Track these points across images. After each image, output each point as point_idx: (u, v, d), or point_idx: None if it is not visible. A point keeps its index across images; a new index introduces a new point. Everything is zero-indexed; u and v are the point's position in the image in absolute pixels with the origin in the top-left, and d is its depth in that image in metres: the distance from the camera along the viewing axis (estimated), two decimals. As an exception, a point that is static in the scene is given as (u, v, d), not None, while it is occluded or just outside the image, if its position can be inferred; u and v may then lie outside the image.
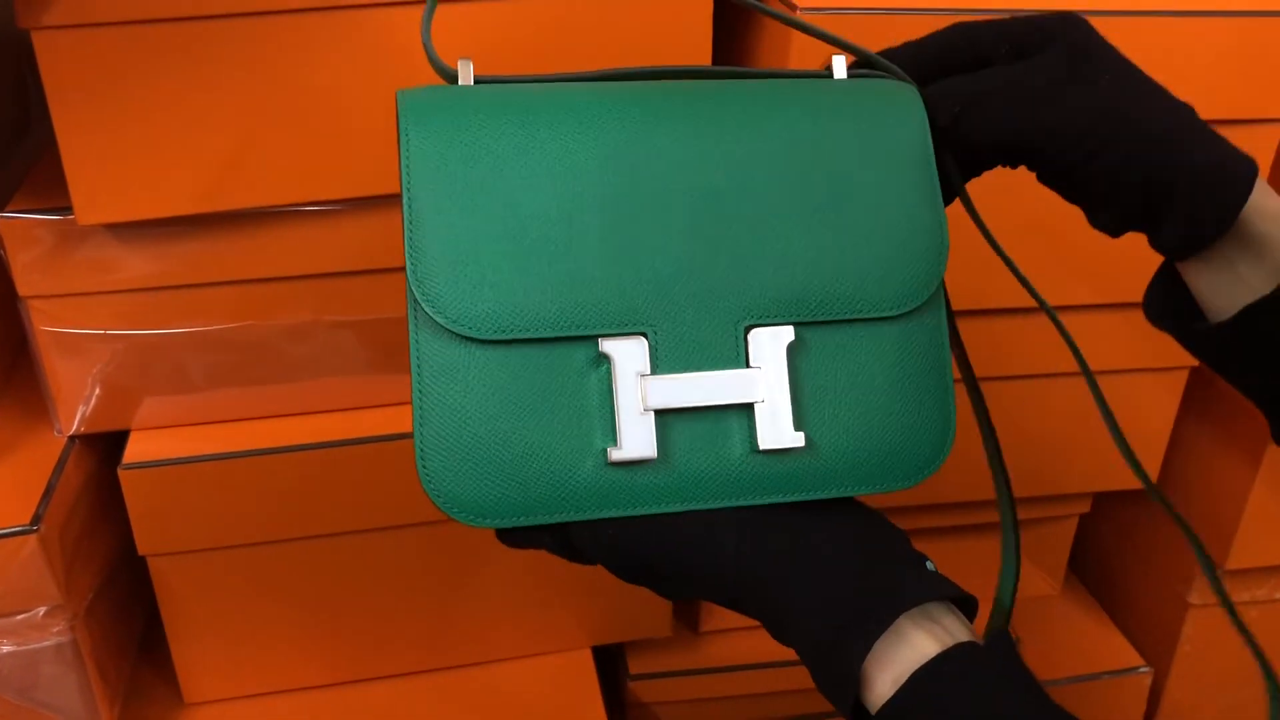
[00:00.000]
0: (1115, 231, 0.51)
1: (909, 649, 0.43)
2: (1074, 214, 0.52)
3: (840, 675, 0.44)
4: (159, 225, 0.77)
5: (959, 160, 0.51)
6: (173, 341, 0.82)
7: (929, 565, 0.47)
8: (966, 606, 0.46)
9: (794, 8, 0.76)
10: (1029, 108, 0.48)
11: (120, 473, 0.82)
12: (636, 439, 0.45)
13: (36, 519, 0.77)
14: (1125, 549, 1.17)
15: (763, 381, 0.47)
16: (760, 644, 0.83)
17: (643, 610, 0.99)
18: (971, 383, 0.55)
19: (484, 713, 0.95)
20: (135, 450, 0.83)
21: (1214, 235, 0.48)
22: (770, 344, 0.47)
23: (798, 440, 0.47)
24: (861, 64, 0.53)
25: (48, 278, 0.78)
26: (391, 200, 0.79)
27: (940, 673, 0.43)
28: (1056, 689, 1.03)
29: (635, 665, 1.03)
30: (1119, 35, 0.51)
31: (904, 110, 0.50)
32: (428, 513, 0.86)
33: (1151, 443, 1.01)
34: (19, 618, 0.79)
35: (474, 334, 0.45)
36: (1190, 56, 0.82)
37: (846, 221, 0.48)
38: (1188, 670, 1.11)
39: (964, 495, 1.00)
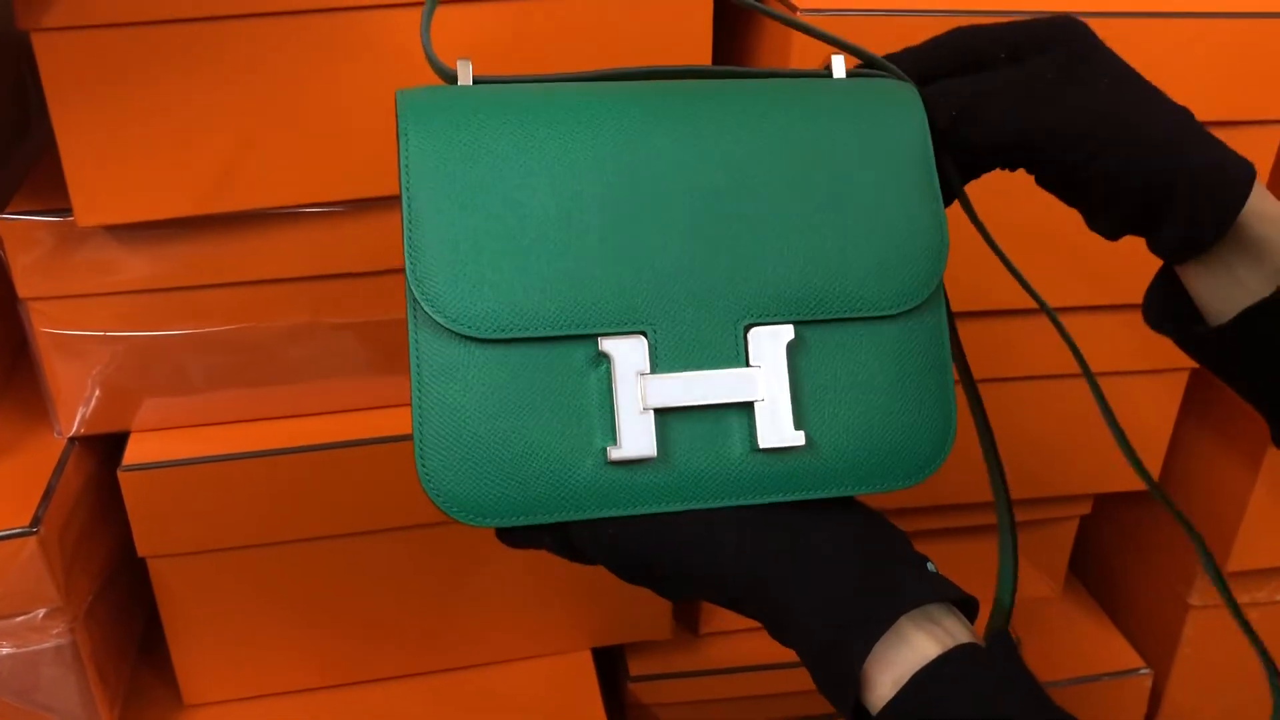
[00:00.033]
0: (1113, 235, 0.51)
1: (910, 650, 0.43)
2: (1074, 216, 0.52)
3: (841, 676, 0.44)
4: (159, 227, 0.77)
5: (957, 162, 0.51)
6: (172, 343, 0.82)
7: (930, 566, 0.47)
8: (967, 608, 0.46)
9: (794, 9, 0.76)
10: (1027, 109, 0.48)
11: (120, 474, 0.82)
12: (636, 438, 0.45)
13: (36, 521, 0.77)
14: (1126, 550, 1.17)
15: (763, 380, 0.47)
16: (760, 646, 0.83)
17: (643, 612, 0.99)
18: (969, 383, 0.55)
19: (483, 714, 0.95)
20: (135, 452, 0.83)
21: (1212, 238, 0.48)
22: (770, 343, 0.47)
23: (798, 439, 0.47)
24: (863, 65, 0.53)
25: (48, 279, 0.78)
26: (391, 202, 0.79)
27: (941, 674, 0.43)
28: (1057, 690, 1.03)
29: (635, 667, 1.03)
30: (1117, 37, 0.51)
31: (904, 109, 0.50)
32: (427, 514, 0.86)
33: (1152, 445, 1.01)
34: (18, 620, 0.79)
35: (473, 333, 0.45)
36: (1189, 58, 0.82)
37: (846, 220, 0.48)
38: (1188, 672, 1.11)
39: (965, 497, 1.00)
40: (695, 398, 0.46)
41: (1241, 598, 1.07)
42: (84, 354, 0.81)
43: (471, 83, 0.49)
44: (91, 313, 0.80)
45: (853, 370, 0.48)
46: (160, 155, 0.74)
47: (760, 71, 0.52)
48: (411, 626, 0.94)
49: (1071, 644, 1.12)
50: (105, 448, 0.88)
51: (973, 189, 0.53)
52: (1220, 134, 0.49)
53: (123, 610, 0.93)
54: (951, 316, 0.51)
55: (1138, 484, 1.03)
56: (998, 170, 0.52)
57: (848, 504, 0.48)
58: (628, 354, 0.46)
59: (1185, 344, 0.52)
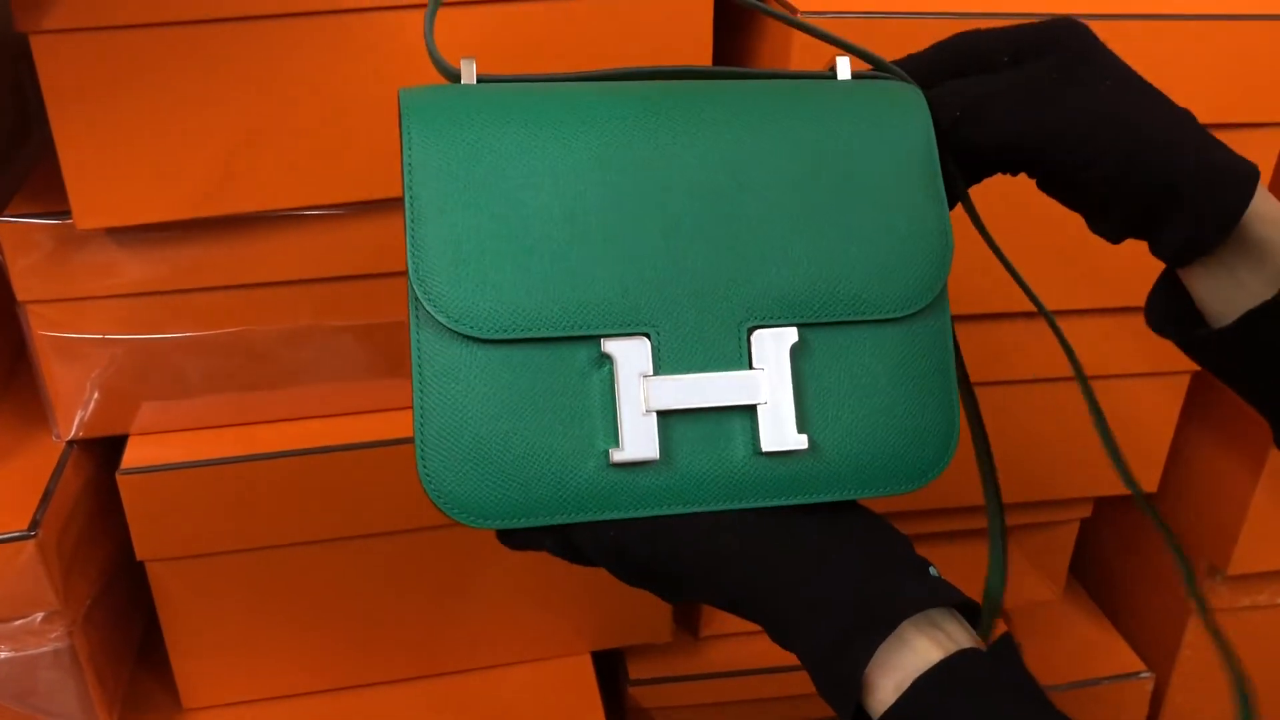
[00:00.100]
0: (1115, 238, 0.51)
1: (912, 655, 0.43)
2: (1076, 219, 0.52)
3: (842, 680, 0.43)
4: (158, 229, 0.77)
5: (960, 165, 0.51)
6: (171, 346, 0.82)
7: (932, 571, 0.47)
8: (969, 612, 0.46)
9: (794, 11, 0.76)
10: (1029, 111, 0.48)
11: (119, 478, 0.81)
12: (638, 440, 0.45)
13: (34, 524, 0.77)
14: (1127, 554, 1.17)
15: (766, 383, 0.46)
16: (761, 649, 0.83)
17: (643, 615, 0.99)
18: (965, 385, 0.55)
19: (483, 718, 0.95)
20: (134, 455, 0.83)
21: (1215, 241, 0.48)
22: (773, 345, 0.47)
23: (800, 442, 0.46)
24: (875, 68, 0.53)
25: (46, 282, 0.78)
26: (391, 204, 0.79)
27: (943, 679, 0.42)
28: (1058, 694, 1.03)
29: (635, 670, 1.03)
30: (1119, 40, 0.51)
31: (908, 111, 0.50)
32: (426, 518, 0.86)
33: (1153, 448, 1.01)
34: (17, 623, 0.79)
35: (476, 333, 0.45)
36: (1190, 60, 0.81)
37: (850, 222, 0.48)
38: (1189, 675, 1.11)
39: (967, 500, 0.99)
40: (698, 400, 0.46)
41: (1243, 600, 1.07)
42: (83, 357, 0.81)
43: (475, 81, 0.49)
44: (90, 315, 0.80)
45: (856, 373, 0.48)
46: (159, 158, 0.74)
47: (765, 72, 0.52)
48: (411, 630, 0.94)
49: (1072, 647, 1.12)
50: (104, 451, 0.88)
51: (976, 194, 0.53)
52: (1222, 136, 0.49)
53: (121, 614, 0.92)
54: (950, 320, 0.51)
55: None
56: (999, 174, 0.52)
57: (850, 507, 0.48)
58: (630, 355, 0.46)
59: (1187, 346, 0.52)
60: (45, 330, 0.80)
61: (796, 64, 0.77)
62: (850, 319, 0.48)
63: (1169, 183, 0.47)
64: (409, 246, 0.45)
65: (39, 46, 0.69)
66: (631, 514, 0.46)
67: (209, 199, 0.76)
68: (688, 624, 1.06)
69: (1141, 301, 0.54)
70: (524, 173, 0.46)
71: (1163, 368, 0.96)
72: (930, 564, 0.47)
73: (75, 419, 0.84)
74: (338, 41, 0.73)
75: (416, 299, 0.45)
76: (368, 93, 0.74)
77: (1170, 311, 0.52)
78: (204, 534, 0.85)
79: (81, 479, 0.85)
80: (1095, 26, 0.50)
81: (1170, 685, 1.11)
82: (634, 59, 0.76)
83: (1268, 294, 0.48)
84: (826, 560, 0.46)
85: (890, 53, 0.53)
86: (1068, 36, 0.49)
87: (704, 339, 0.46)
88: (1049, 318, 0.56)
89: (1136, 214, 0.49)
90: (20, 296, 0.79)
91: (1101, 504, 1.11)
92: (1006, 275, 0.55)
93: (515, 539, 0.47)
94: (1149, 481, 1.03)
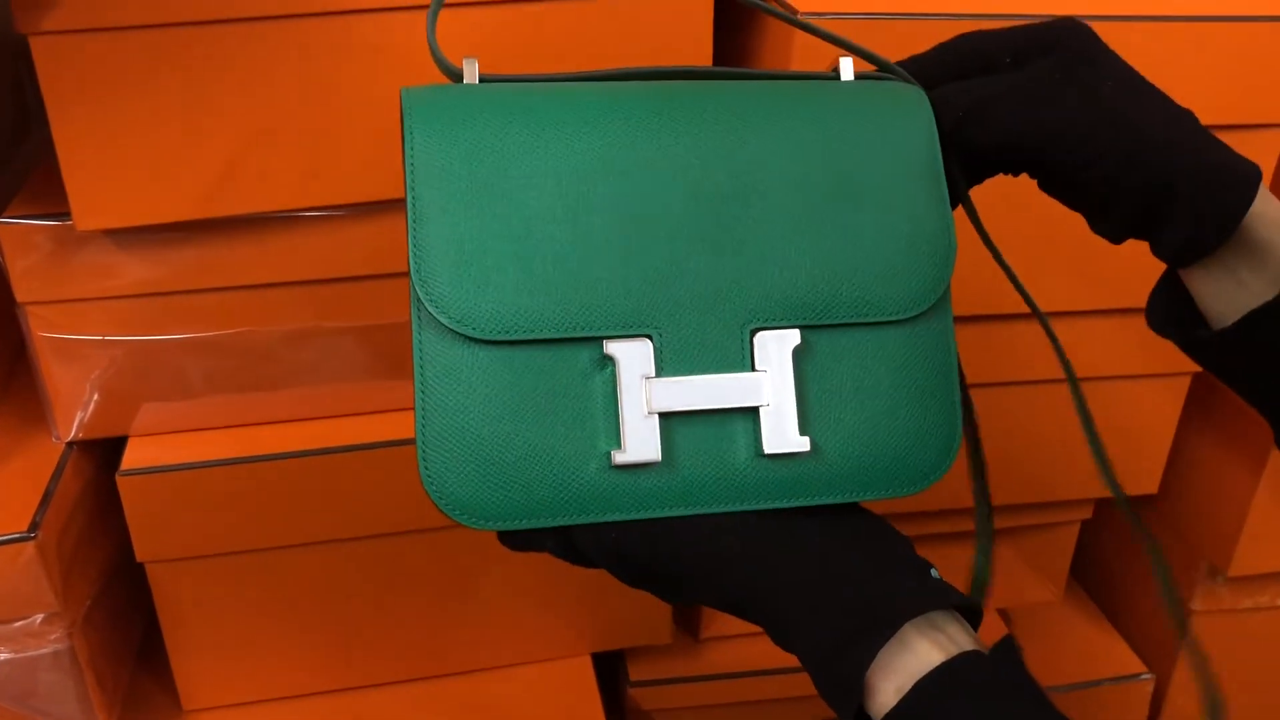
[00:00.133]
0: (1117, 238, 0.51)
1: (913, 657, 0.43)
2: (1077, 221, 0.52)
3: (844, 683, 0.43)
4: (158, 231, 0.77)
5: (962, 165, 0.51)
6: (171, 347, 0.82)
7: (933, 572, 0.47)
8: (971, 614, 0.46)
9: (795, 12, 0.76)
10: (1031, 111, 0.48)
11: (118, 479, 0.81)
12: (640, 442, 0.45)
13: (34, 526, 0.77)
14: (1127, 555, 1.17)
15: (768, 385, 0.46)
16: (761, 651, 0.82)
17: (643, 617, 0.99)
18: (961, 386, 0.55)
19: (483, 720, 0.95)
20: (133, 456, 0.83)
21: (1217, 241, 0.48)
22: (776, 347, 0.47)
23: (803, 445, 0.46)
24: (879, 68, 0.53)
25: (46, 283, 0.78)
26: (391, 205, 0.79)
27: (944, 681, 0.42)
28: (1058, 695, 1.03)
29: (635, 672, 1.03)
30: (1120, 41, 0.51)
31: (912, 112, 0.50)
32: (426, 519, 0.86)
33: (1154, 449, 1.01)
34: (16, 625, 0.79)
35: (478, 334, 0.45)
36: (1191, 62, 0.81)
37: (853, 224, 0.48)
38: (1190, 677, 1.11)
39: (968, 502, 0.99)
40: (700, 402, 0.46)
41: (1244, 602, 1.07)
42: (82, 358, 0.81)
43: (477, 81, 0.49)
44: (90, 317, 0.80)
45: (858, 376, 0.48)
46: (159, 159, 0.74)
47: (768, 73, 0.52)
48: (411, 632, 0.94)
49: (1073, 649, 1.12)
50: (104, 452, 0.87)
51: (978, 195, 0.53)
52: (1223, 138, 0.49)
53: (121, 615, 0.92)
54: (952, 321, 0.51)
55: (1138, 489, 1.04)
56: (1001, 175, 0.52)
57: (851, 509, 0.48)
58: (633, 357, 0.45)
59: (1188, 347, 0.52)
60: (45, 331, 0.80)
61: (797, 64, 0.76)
62: (853, 321, 0.48)
63: (1168, 183, 0.47)
64: (411, 247, 0.45)
65: (39, 48, 0.69)
66: (633, 516, 0.46)
67: (209, 200, 0.75)
68: (688, 626, 1.06)
69: (1142, 303, 0.54)
70: (526, 173, 0.46)
71: (1163, 369, 0.96)
72: (931, 566, 0.47)
73: (75, 420, 0.84)
74: (336, 43, 0.73)
75: (418, 300, 0.45)
76: (367, 94, 0.74)
77: (1171, 312, 0.52)
78: (204, 535, 0.85)
79: (81, 480, 0.85)
80: (1097, 28, 0.50)
81: (1171, 686, 1.11)
82: (634, 59, 0.76)
83: (1269, 294, 0.48)
84: (828, 562, 0.46)
85: (892, 54, 0.53)
86: (1069, 37, 0.49)
87: (706, 341, 0.46)
88: (1043, 320, 0.56)
89: (1137, 214, 0.49)
90: (20, 298, 0.79)
91: (1102, 505, 1.11)
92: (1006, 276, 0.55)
93: (516, 540, 0.47)
94: (1150, 483, 1.03)
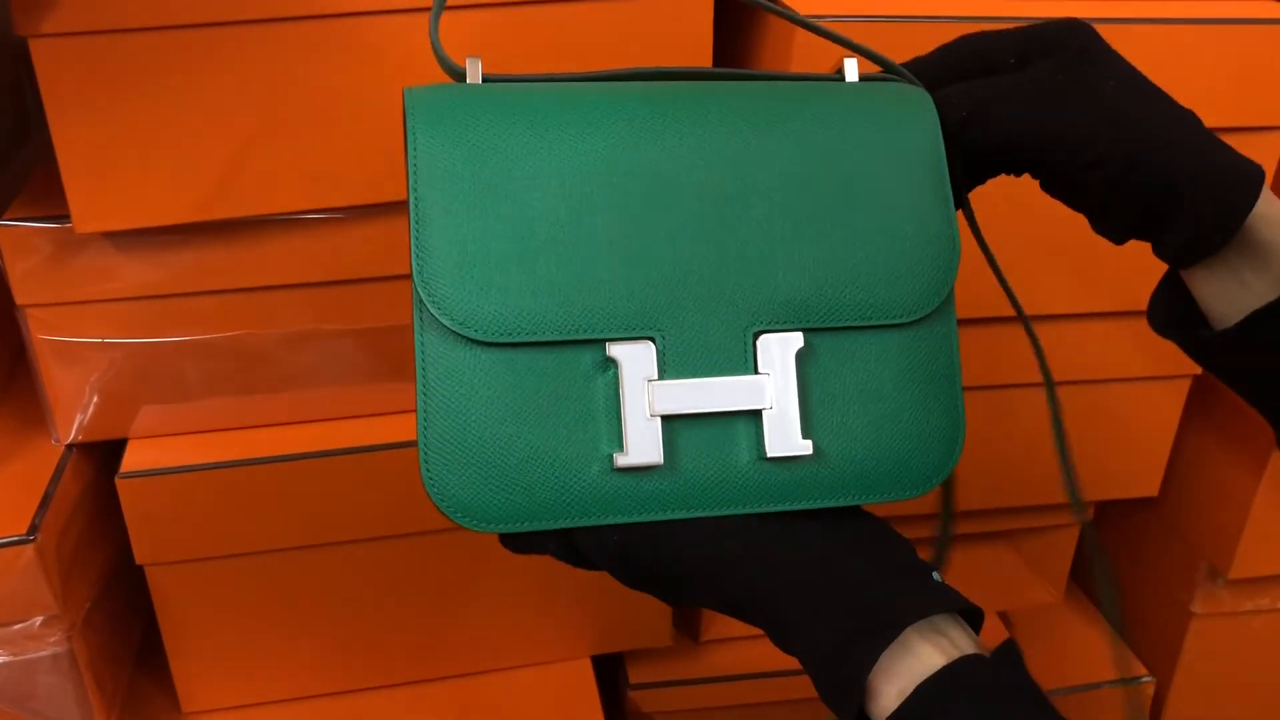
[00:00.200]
0: (1119, 239, 0.51)
1: (914, 660, 0.43)
2: (1079, 222, 0.52)
3: (845, 686, 0.43)
4: (157, 233, 0.77)
5: (965, 164, 0.51)
6: (171, 350, 0.82)
7: (935, 576, 0.46)
8: (972, 618, 0.46)
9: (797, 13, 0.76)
10: (1034, 111, 0.48)
11: (118, 482, 0.81)
12: (643, 445, 0.45)
13: (33, 528, 0.77)
14: (1127, 558, 1.16)
15: (771, 388, 0.46)
16: (761, 653, 0.82)
17: (643, 619, 0.99)
18: None
19: (483, 723, 0.95)
20: (133, 459, 0.83)
21: (1220, 242, 0.48)
22: (779, 350, 0.46)
23: (805, 448, 0.46)
24: (884, 69, 0.53)
25: (45, 286, 0.78)
26: (391, 208, 0.79)
27: (945, 685, 0.42)
28: (1060, 698, 1.03)
29: (635, 675, 1.02)
30: (1122, 43, 0.51)
31: (916, 114, 0.50)
32: (426, 522, 0.86)
33: (1155, 451, 1.01)
34: (15, 628, 0.79)
35: (480, 336, 0.44)
36: (1193, 64, 0.81)
37: (858, 226, 0.48)
38: (1191, 680, 1.11)
39: (969, 504, 0.99)
40: (703, 405, 0.46)
41: (1244, 605, 1.07)
42: (82, 361, 0.81)
43: (480, 81, 0.49)
44: (90, 319, 0.80)
45: (862, 379, 0.47)
46: (159, 161, 0.74)
47: (773, 74, 0.52)
48: (410, 634, 0.94)
49: (1074, 652, 1.12)
50: (103, 455, 0.87)
51: (980, 196, 0.53)
52: (1225, 140, 0.49)
53: (120, 618, 0.92)
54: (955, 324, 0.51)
55: (1139, 491, 1.04)
56: (1002, 176, 0.52)
57: (854, 513, 0.48)
58: (636, 360, 0.45)
59: (1190, 348, 0.52)
60: (44, 334, 0.80)
61: (797, 65, 0.76)
62: (856, 324, 0.47)
63: (1171, 183, 0.47)
64: (413, 248, 0.45)
65: (38, 50, 0.69)
66: (635, 518, 0.46)
67: (208, 202, 0.75)
68: (688, 628, 1.06)
69: (1142, 306, 0.54)
70: (530, 174, 0.46)
71: (1164, 371, 0.96)
72: (933, 568, 0.47)
73: (74, 423, 0.84)
74: (335, 45, 0.73)
75: (420, 301, 0.45)
76: (365, 96, 0.74)
77: (1173, 313, 0.52)
78: (203, 538, 0.84)
79: (80, 483, 0.85)
80: (1100, 29, 0.50)
81: (1171, 689, 1.11)
82: (634, 59, 0.76)
83: (1271, 295, 0.48)
84: (829, 565, 0.45)
85: (893, 56, 0.53)
86: (1072, 38, 0.49)
87: (709, 343, 0.46)
88: (1026, 323, 0.56)
89: (1139, 215, 0.49)
90: (19, 300, 0.79)
91: (1102, 508, 1.11)
92: (1007, 277, 0.55)
93: (518, 542, 0.47)
94: (1150, 485, 1.03)
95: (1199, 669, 1.10)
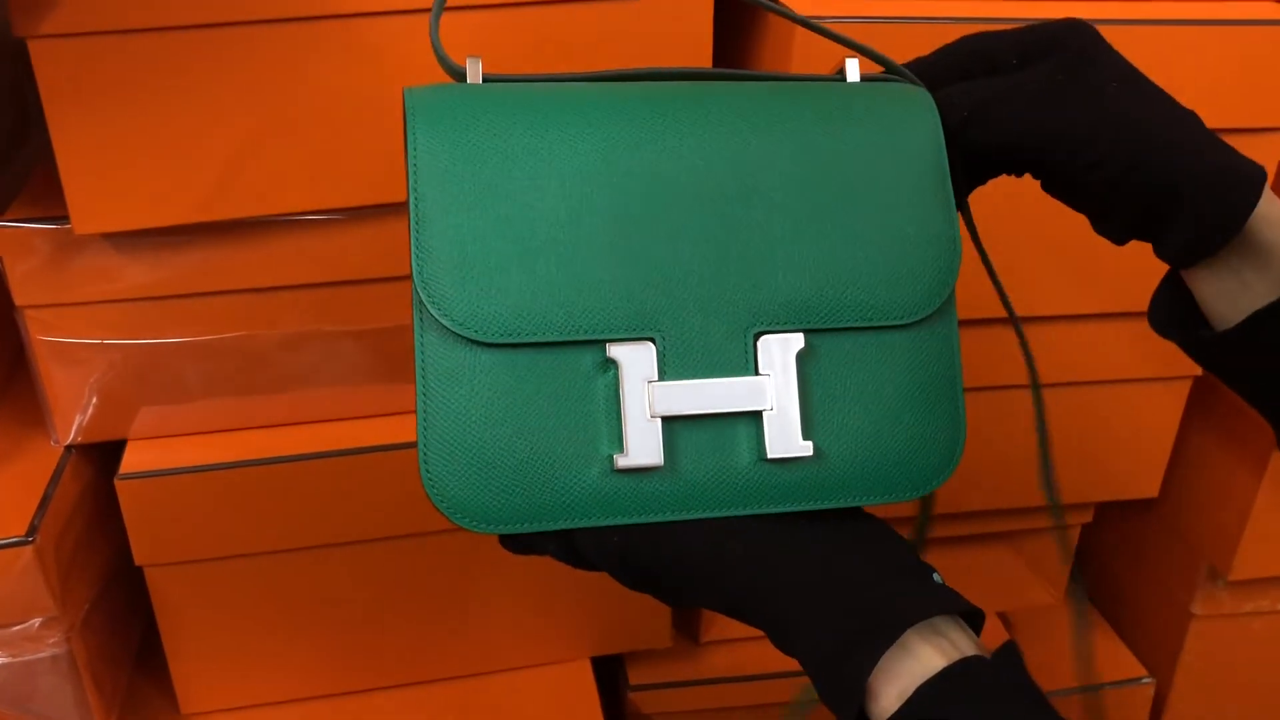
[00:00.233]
0: (1120, 239, 0.51)
1: (915, 662, 0.43)
2: (1079, 223, 0.52)
3: (846, 688, 0.43)
4: (156, 234, 0.77)
5: (965, 165, 0.51)
6: (170, 351, 0.82)
7: (935, 577, 0.46)
8: (973, 619, 0.46)
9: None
10: (1035, 111, 0.48)
11: (117, 483, 0.81)
12: (643, 446, 0.45)
13: (32, 530, 0.77)
14: (1128, 559, 1.16)
15: (772, 389, 0.46)
16: (761, 654, 0.82)
17: (643, 620, 0.99)
18: None
19: (483, 724, 0.94)
20: (132, 460, 0.83)
21: (1221, 242, 0.48)
22: (780, 351, 0.46)
23: (806, 449, 0.46)
24: (886, 69, 0.53)
25: (45, 287, 0.78)
26: (390, 209, 0.79)
27: (946, 687, 0.42)
28: (1060, 700, 1.03)
29: (635, 676, 1.02)
30: (1123, 44, 0.51)
31: (918, 114, 0.50)
32: (426, 523, 0.86)
33: (1155, 452, 1.01)
34: (15, 629, 0.79)
35: (480, 337, 0.44)
36: (1194, 65, 0.81)
37: (859, 227, 0.48)
38: (1191, 680, 1.11)
39: (969, 505, 0.99)
40: (703, 406, 0.46)
41: (1245, 606, 1.07)
42: (81, 362, 0.81)
43: (481, 81, 0.49)
44: (89, 320, 0.80)
45: (862, 380, 0.47)
46: (158, 162, 0.73)
47: (773, 75, 0.52)
48: (410, 636, 0.94)
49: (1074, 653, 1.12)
50: (102, 456, 0.87)
51: (980, 197, 0.53)
52: (1226, 140, 0.48)
53: (119, 619, 0.92)
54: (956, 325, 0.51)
55: (1140, 493, 1.04)
56: (1003, 176, 0.52)
57: (854, 514, 0.48)
58: (636, 361, 0.45)
59: (1191, 349, 0.52)
60: (44, 335, 0.80)
61: (797, 66, 0.76)
62: (857, 325, 0.47)
63: (1172, 184, 0.47)
64: (413, 249, 0.45)
65: (37, 51, 0.69)
66: (635, 520, 0.45)
67: (208, 203, 0.75)
68: (688, 629, 1.06)
69: (1143, 307, 0.54)
70: (530, 174, 0.46)
71: (1165, 372, 0.96)
72: (934, 570, 0.47)
73: (74, 424, 0.84)
74: (338, 46, 0.73)
75: (420, 302, 0.45)
76: (368, 96, 0.74)
77: (1174, 314, 0.52)
78: (203, 539, 0.84)
79: (80, 484, 0.85)
80: (1101, 30, 0.50)
81: (1172, 690, 1.11)
82: (633, 59, 0.76)
83: (1272, 296, 0.48)
84: (830, 566, 0.45)
85: (894, 57, 0.53)
86: (1073, 38, 0.49)
87: (710, 344, 0.46)
88: (1016, 325, 0.56)
89: (1140, 215, 0.49)
90: (18, 301, 0.79)
91: (1102, 509, 1.11)
92: (1007, 279, 0.55)
93: (518, 543, 0.47)
94: (1151, 486, 1.03)
95: (1199, 670, 1.10)
